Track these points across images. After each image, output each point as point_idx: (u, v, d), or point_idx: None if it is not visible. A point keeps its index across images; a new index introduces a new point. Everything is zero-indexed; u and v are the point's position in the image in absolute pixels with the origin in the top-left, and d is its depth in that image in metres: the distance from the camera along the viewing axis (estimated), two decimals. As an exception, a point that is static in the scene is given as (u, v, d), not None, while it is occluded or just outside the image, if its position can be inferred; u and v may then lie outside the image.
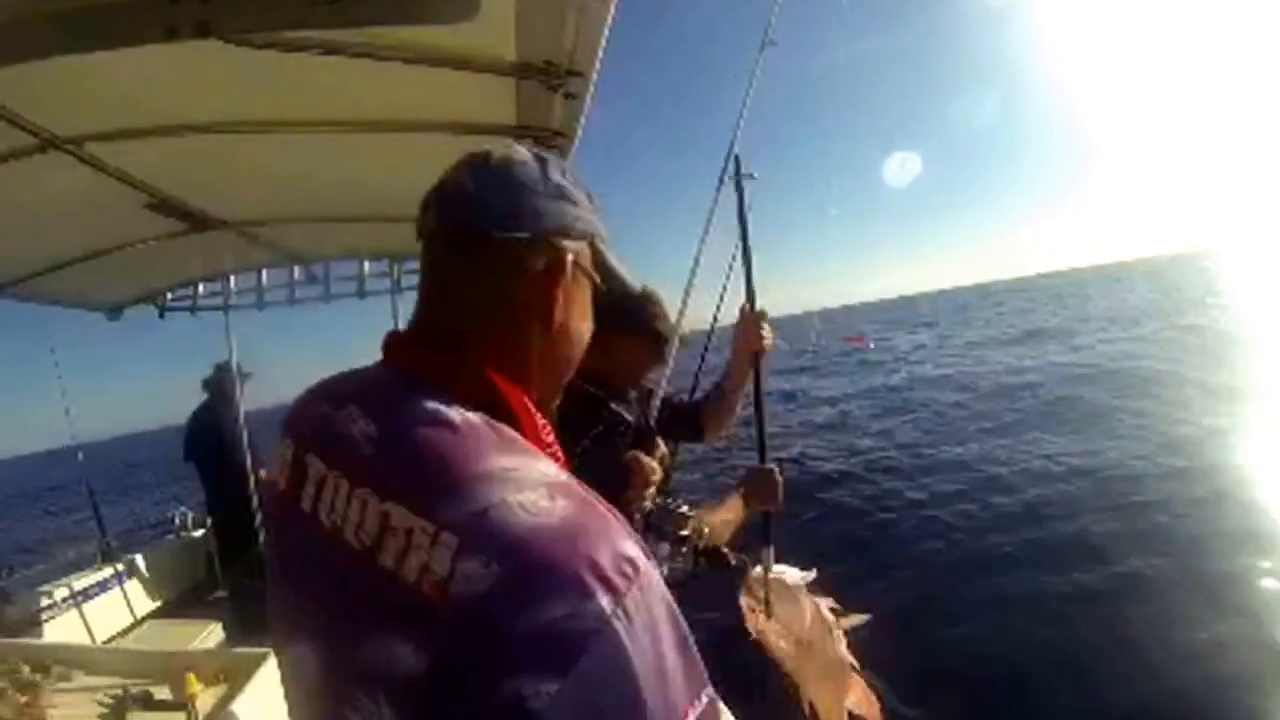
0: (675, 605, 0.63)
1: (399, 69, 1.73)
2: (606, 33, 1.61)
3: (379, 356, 0.84)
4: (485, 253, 0.77)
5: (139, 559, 4.67)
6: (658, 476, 1.51)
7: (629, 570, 0.59)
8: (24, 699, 2.34)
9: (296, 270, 4.90)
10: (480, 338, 0.77)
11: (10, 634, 3.51)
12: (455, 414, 0.69)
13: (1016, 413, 12.38)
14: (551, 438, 0.77)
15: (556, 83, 1.76)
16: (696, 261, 2.04)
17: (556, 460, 0.73)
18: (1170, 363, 14.82)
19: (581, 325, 0.85)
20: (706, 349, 3.98)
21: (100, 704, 2.31)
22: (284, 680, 0.78)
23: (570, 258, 0.80)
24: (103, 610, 4.14)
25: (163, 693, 2.35)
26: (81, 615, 4.02)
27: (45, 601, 3.91)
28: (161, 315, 4.97)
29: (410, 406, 0.70)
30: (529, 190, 0.79)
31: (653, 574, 0.62)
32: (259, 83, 1.89)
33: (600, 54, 1.71)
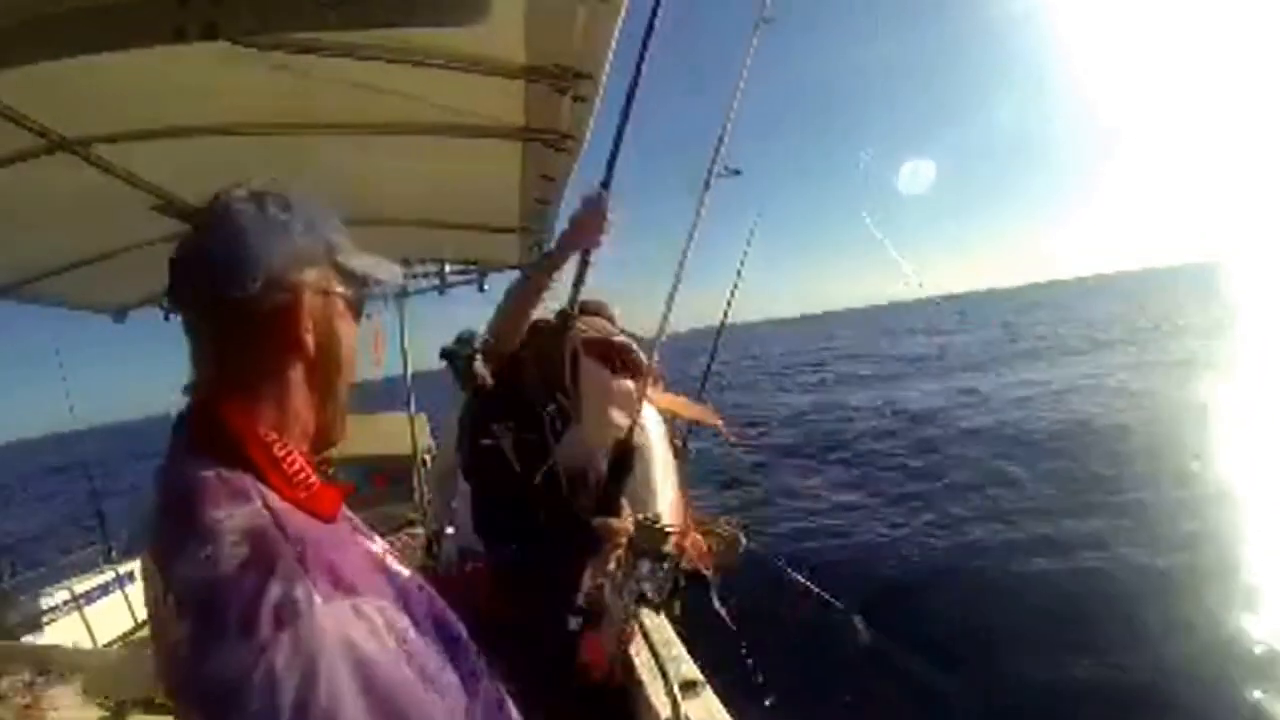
0: (373, 654, 0.63)
1: (407, 71, 1.72)
2: (615, 36, 1.60)
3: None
4: (227, 314, 0.79)
5: (140, 563, 4.66)
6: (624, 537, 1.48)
7: (285, 615, 0.60)
8: (25, 701, 2.33)
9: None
10: (236, 392, 0.80)
11: (12, 637, 3.50)
12: (186, 477, 0.73)
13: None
14: (296, 466, 0.79)
15: (565, 85, 1.75)
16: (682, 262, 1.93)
17: (300, 485, 0.78)
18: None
19: (342, 341, 0.87)
20: (714, 354, 3.96)
21: (101, 706, 2.30)
22: None
23: (307, 290, 0.83)
24: (105, 613, 4.13)
25: (162, 696, 2.33)
26: (84, 618, 4.01)
27: (48, 604, 3.90)
28: (167, 317, 4.96)
29: (165, 477, 0.77)
30: (251, 240, 0.80)
31: (324, 621, 0.61)
32: (267, 85, 1.88)
33: (609, 57, 1.70)
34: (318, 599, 0.63)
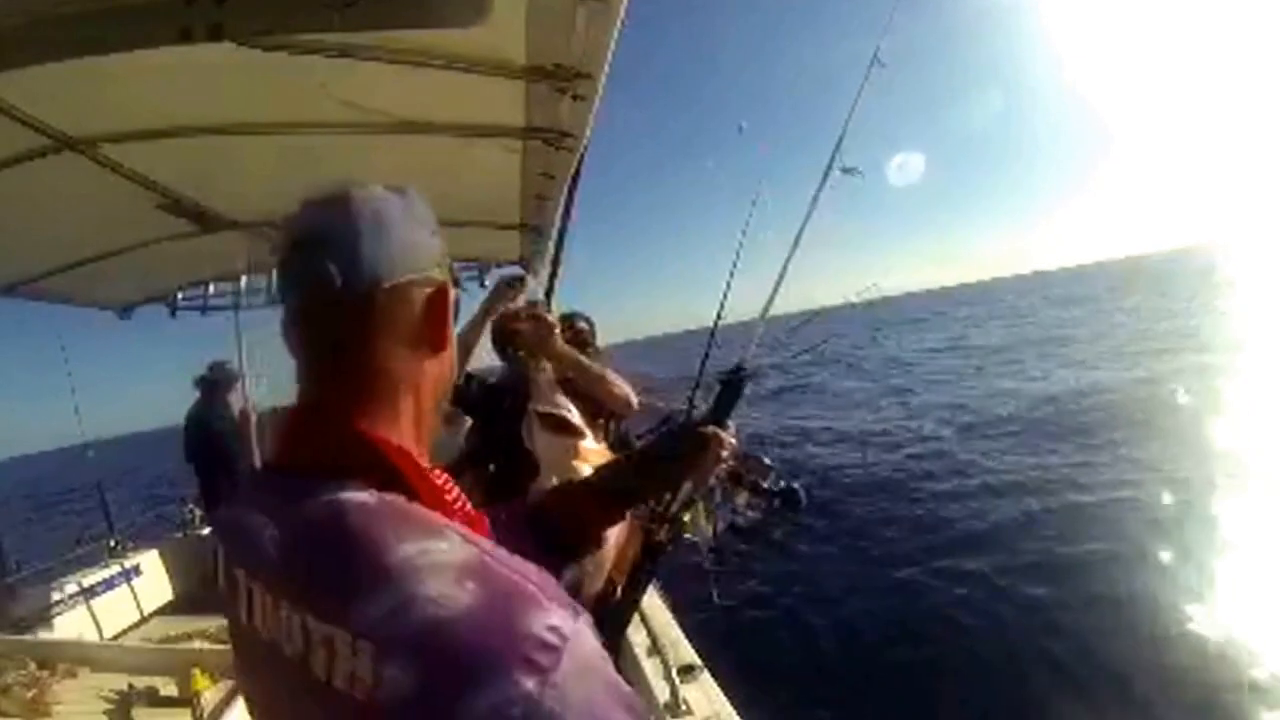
0: (607, 653, 0.61)
1: (409, 71, 1.74)
2: (615, 35, 1.62)
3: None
4: (378, 306, 0.73)
5: (146, 556, 4.69)
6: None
7: (555, 641, 0.56)
8: (30, 694, 2.35)
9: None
10: (369, 397, 0.73)
11: (18, 630, 3.53)
12: (347, 501, 0.65)
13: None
14: (453, 492, 0.74)
15: (565, 85, 1.77)
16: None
17: (460, 513, 0.72)
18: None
19: (450, 348, 0.82)
20: (709, 350, 3.96)
21: (106, 700, 2.32)
22: None
23: (450, 286, 0.79)
24: (110, 607, 4.15)
25: (168, 689, 2.36)
26: (90, 611, 4.04)
27: (54, 598, 3.92)
28: (173, 314, 5.00)
29: (302, 503, 0.66)
30: (403, 229, 0.75)
31: (582, 633, 0.59)
32: (271, 85, 1.91)
33: (609, 57, 1.71)
34: (571, 623, 0.59)
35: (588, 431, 1.77)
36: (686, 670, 2.17)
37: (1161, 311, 29.29)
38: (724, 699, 2.07)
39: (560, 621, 0.58)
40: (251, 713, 0.76)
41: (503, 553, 0.64)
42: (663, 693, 2.10)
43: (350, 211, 0.73)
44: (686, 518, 3.48)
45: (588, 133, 1.91)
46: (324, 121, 2.17)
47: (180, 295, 4.86)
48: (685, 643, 2.42)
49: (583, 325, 2.90)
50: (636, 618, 2.58)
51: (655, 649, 2.34)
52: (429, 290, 0.76)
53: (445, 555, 0.61)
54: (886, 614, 6.09)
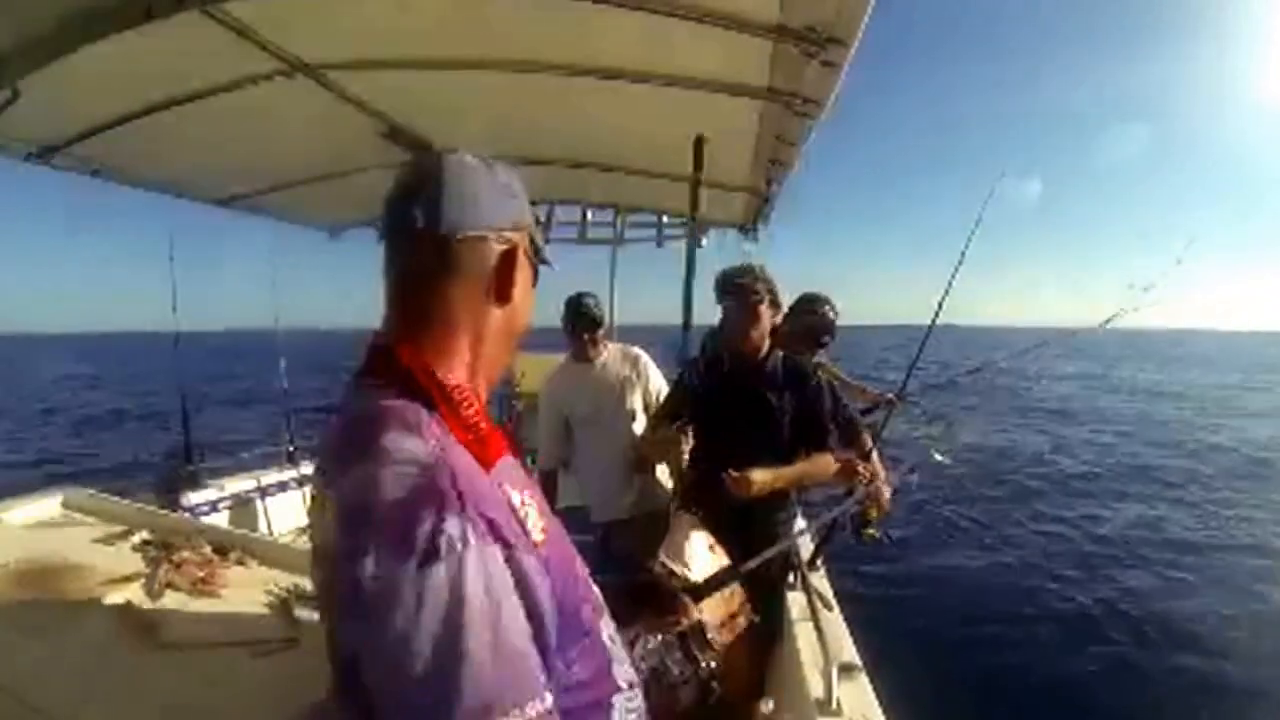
0: (511, 608, 0.68)
1: (651, 19, 1.66)
2: (873, 2, 1.48)
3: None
4: (452, 252, 0.86)
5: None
6: None
7: (440, 545, 0.65)
8: (202, 574, 2.50)
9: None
10: (428, 330, 0.86)
11: (195, 516, 3.80)
12: (371, 403, 0.80)
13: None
14: (471, 410, 0.82)
15: (814, 49, 1.64)
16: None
17: (472, 429, 0.81)
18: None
19: (528, 301, 0.95)
20: (922, 348, 3.72)
21: (269, 593, 2.44)
22: None
23: (521, 247, 0.91)
24: (281, 509, 4.41)
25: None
26: (264, 509, 4.30)
27: (229, 490, 4.20)
28: (381, 239, 5.21)
29: (349, 402, 0.85)
30: (483, 191, 0.88)
31: (470, 560, 0.66)
32: (504, 24, 1.89)
33: (864, 24, 1.57)
34: (474, 539, 0.67)
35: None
36: (845, 669, 2.05)
37: None
38: (876, 704, 1.94)
39: (455, 531, 0.66)
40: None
41: (462, 460, 0.75)
42: (817, 688, 1.99)
43: (438, 170, 0.87)
44: (874, 514, 3.29)
45: (830, 101, 1.76)
46: (555, 63, 2.13)
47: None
48: (849, 641, 2.30)
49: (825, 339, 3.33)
50: (805, 608, 2.52)
51: (820, 642, 2.23)
52: (502, 248, 0.88)
53: (408, 449, 0.72)
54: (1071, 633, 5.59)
